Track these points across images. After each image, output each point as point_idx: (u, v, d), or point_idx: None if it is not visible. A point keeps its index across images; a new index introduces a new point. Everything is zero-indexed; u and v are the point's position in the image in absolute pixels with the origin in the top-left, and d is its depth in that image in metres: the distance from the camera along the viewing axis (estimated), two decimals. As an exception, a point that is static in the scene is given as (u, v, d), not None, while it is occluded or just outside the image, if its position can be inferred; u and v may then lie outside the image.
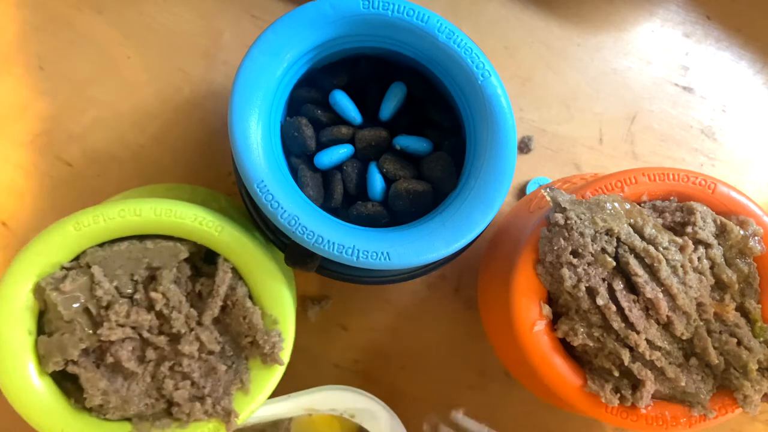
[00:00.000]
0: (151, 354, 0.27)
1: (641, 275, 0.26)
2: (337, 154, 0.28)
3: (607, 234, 0.26)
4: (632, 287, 0.26)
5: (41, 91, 0.36)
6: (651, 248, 0.26)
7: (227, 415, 0.26)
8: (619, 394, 0.26)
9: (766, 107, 0.38)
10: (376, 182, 0.28)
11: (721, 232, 0.27)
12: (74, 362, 0.26)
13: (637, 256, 0.26)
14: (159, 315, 0.26)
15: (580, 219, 0.26)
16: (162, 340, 0.26)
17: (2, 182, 0.35)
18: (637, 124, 0.38)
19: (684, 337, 0.26)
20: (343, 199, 0.28)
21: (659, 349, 0.26)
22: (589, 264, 0.26)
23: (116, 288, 0.26)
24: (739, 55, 0.39)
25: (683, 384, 0.26)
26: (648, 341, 0.26)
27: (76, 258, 0.26)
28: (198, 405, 0.26)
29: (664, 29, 0.39)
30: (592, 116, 0.38)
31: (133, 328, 0.26)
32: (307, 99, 0.29)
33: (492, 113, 0.27)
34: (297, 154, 0.29)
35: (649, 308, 0.26)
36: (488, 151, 0.27)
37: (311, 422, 0.33)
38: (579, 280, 0.26)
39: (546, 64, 0.38)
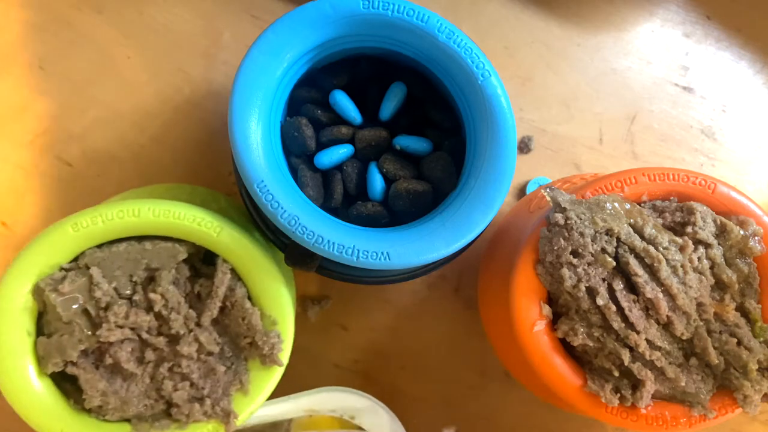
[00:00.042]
0: (150, 355, 0.26)
1: (641, 275, 0.26)
2: (337, 154, 0.28)
3: (607, 234, 0.26)
4: (632, 287, 0.26)
5: (41, 91, 0.36)
6: (651, 248, 0.26)
7: (226, 416, 0.26)
8: (619, 394, 0.26)
9: (766, 107, 0.38)
10: (376, 182, 0.28)
11: (721, 232, 0.27)
12: (73, 363, 0.26)
13: (637, 256, 0.26)
14: (158, 316, 0.26)
15: (580, 219, 0.26)
16: (161, 341, 0.26)
17: (2, 182, 0.35)
18: (637, 124, 0.38)
19: (684, 337, 0.26)
20: (343, 199, 0.28)
21: (659, 349, 0.26)
22: (589, 264, 0.26)
23: (115, 289, 0.26)
24: (739, 55, 0.39)
25: (683, 384, 0.26)
26: (648, 341, 0.26)
27: (75, 259, 0.26)
28: (197, 406, 0.26)
29: (664, 29, 0.39)
30: (592, 116, 0.38)
31: (132, 329, 0.26)
32: (307, 99, 0.29)
33: (492, 113, 0.27)
34: (297, 154, 0.29)
35: (649, 308, 0.26)
36: (488, 151, 0.27)
37: (311, 423, 0.33)
38: (579, 280, 0.26)
39: (546, 64, 0.38)
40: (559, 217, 0.26)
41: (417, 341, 0.36)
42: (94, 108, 0.36)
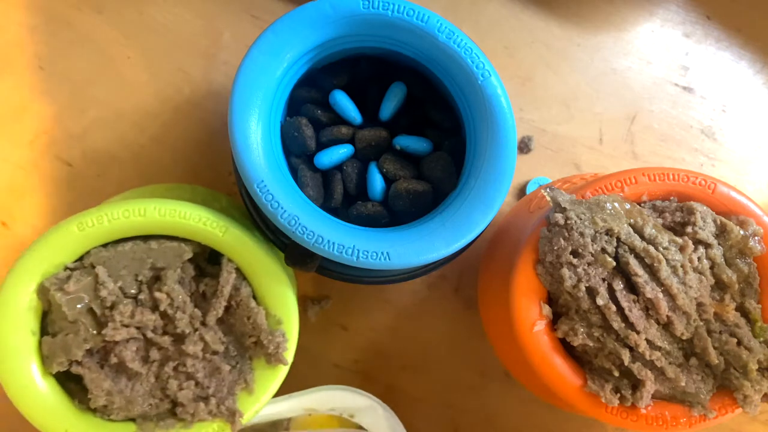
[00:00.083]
0: (155, 354, 0.27)
1: (641, 275, 0.26)
2: (337, 154, 0.28)
3: (607, 234, 0.26)
4: (632, 287, 0.26)
5: (41, 91, 0.36)
6: (651, 248, 0.26)
7: (231, 415, 0.26)
8: (619, 394, 0.26)
9: (766, 107, 0.38)
10: (376, 182, 0.28)
11: (721, 232, 0.27)
12: (78, 363, 0.26)
13: (637, 256, 0.26)
14: (163, 315, 0.26)
15: (580, 219, 0.26)
16: (166, 341, 0.26)
17: (2, 182, 0.35)
18: (637, 124, 0.38)
19: (684, 337, 0.26)
20: (343, 199, 0.28)
21: (659, 349, 0.26)
22: (589, 264, 0.26)
23: (120, 288, 0.26)
24: (739, 55, 0.39)
25: (683, 384, 0.26)
26: (648, 341, 0.26)
27: (80, 258, 0.26)
28: (202, 405, 0.26)
29: (664, 29, 0.39)
30: (592, 116, 0.38)
31: (138, 328, 0.26)
32: (307, 99, 0.29)
33: (492, 113, 0.27)
34: (297, 154, 0.29)
35: (649, 308, 0.26)
36: (488, 151, 0.27)
37: (310, 422, 0.33)
38: (579, 280, 0.26)
39: (546, 64, 0.38)
40: (559, 217, 0.26)
41: (417, 341, 0.37)
42: (94, 108, 0.36)
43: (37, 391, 0.26)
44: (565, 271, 0.26)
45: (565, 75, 0.38)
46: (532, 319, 0.27)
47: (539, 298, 0.27)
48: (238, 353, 0.27)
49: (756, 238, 0.27)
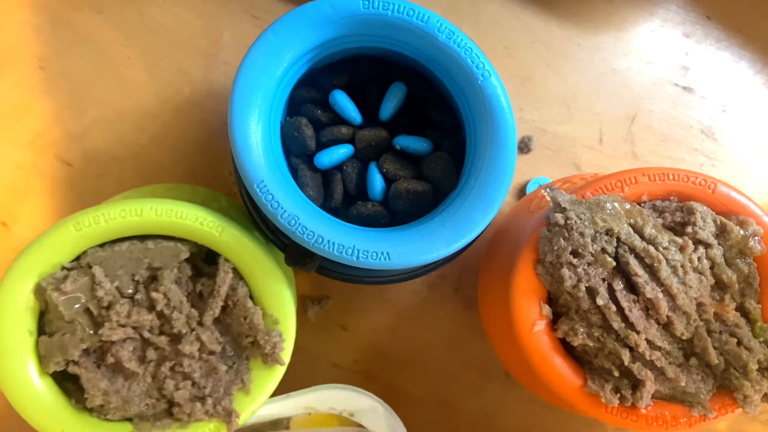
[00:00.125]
0: (151, 354, 0.27)
1: (641, 275, 0.26)
2: (337, 154, 0.28)
3: (607, 234, 0.26)
4: (632, 287, 0.26)
5: (41, 91, 0.36)
6: (651, 248, 0.26)
7: (228, 415, 0.26)
8: (619, 394, 0.26)
9: (766, 107, 0.38)
10: (376, 182, 0.28)
11: (721, 232, 0.27)
12: (75, 362, 0.26)
13: (637, 256, 0.26)
14: (160, 315, 0.26)
15: (580, 219, 0.26)
16: (163, 341, 0.26)
17: (2, 182, 0.35)
18: (637, 124, 0.38)
19: (684, 337, 0.26)
20: (343, 199, 0.28)
21: (659, 349, 0.26)
22: (589, 264, 0.26)
23: (117, 288, 0.26)
24: (739, 55, 0.39)
25: (683, 384, 0.26)
26: (648, 341, 0.26)
27: (77, 258, 0.26)
28: (199, 405, 0.26)
29: (664, 29, 0.39)
30: (592, 116, 0.38)
31: (134, 328, 0.26)
32: (307, 99, 0.29)
33: (492, 113, 0.27)
34: (297, 154, 0.29)
35: (649, 308, 0.26)
36: (488, 151, 0.27)
37: (310, 421, 0.33)
38: (579, 280, 0.26)
39: (546, 64, 0.38)
40: (559, 217, 0.26)
41: (417, 341, 0.37)
42: (94, 108, 0.36)
43: (35, 391, 0.26)
44: (565, 271, 0.26)
45: (565, 75, 0.38)
46: (532, 319, 0.27)
47: (539, 298, 0.27)
48: (234, 353, 0.27)
49: (756, 238, 0.27)
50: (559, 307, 0.27)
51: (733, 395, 0.27)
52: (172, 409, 0.27)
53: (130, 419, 0.27)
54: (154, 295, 0.26)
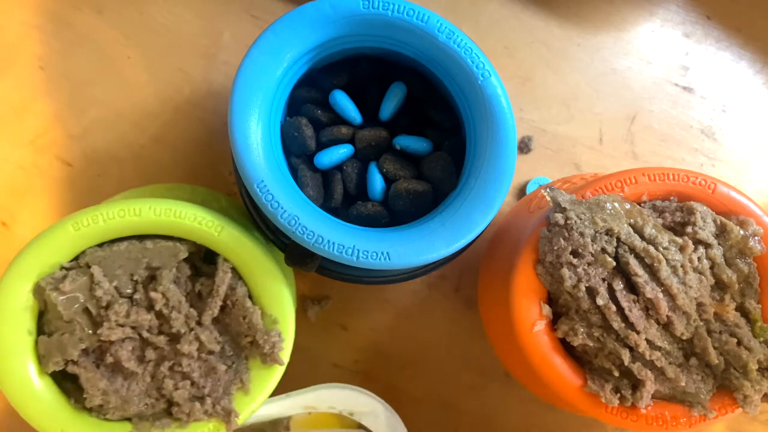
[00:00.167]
0: (150, 354, 0.26)
1: (641, 275, 0.26)
2: (337, 154, 0.28)
3: (607, 234, 0.26)
4: (632, 287, 0.26)
5: (41, 91, 0.36)
6: (651, 248, 0.26)
7: (227, 414, 0.26)
8: (619, 394, 0.26)
9: (766, 107, 0.38)
10: (376, 182, 0.28)
11: (721, 232, 0.27)
12: (74, 362, 0.26)
13: (637, 256, 0.26)
14: (159, 315, 0.26)
15: (580, 219, 0.26)
16: (162, 340, 0.26)
17: (2, 182, 0.35)
18: (637, 124, 0.38)
19: (684, 337, 0.26)
20: (343, 199, 0.28)
21: (659, 349, 0.26)
22: (589, 264, 0.26)
23: (116, 288, 0.26)
24: (739, 55, 0.39)
25: (683, 384, 0.26)
26: (648, 341, 0.26)
27: (76, 258, 0.26)
28: (198, 405, 0.26)
29: (664, 29, 0.39)
30: (592, 116, 0.38)
31: (133, 328, 0.26)
32: (307, 99, 0.29)
33: (492, 113, 0.27)
34: (297, 154, 0.29)
35: (649, 308, 0.26)
36: (488, 151, 0.27)
37: (310, 420, 0.33)
38: (579, 280, 0.26)
39: (546, 64, 0.38)
40: (559, 217, 0.26)
41: (417, 341, 0.37)
42: (94, 108, 0.36)
43: (34, 391, 0.26)
44: (565, 271, 0.26)
45: (565, 75, 0.38)
46: (532, 319, 0.27)
47: (539, 298, 0.27)
48: (233, 353, 0.27)
49: (756, 238, 0.27)
50: (559, 307, 0.27)
51: (733, 395, 0.27)
52: (171, 409, 0.27)
53: (129, 419, 0.27)
54: (152, 294, 0.26)
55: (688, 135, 0.38)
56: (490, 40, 0.37)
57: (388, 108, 0.29)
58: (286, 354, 0.27)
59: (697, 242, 0.26)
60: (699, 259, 0.26)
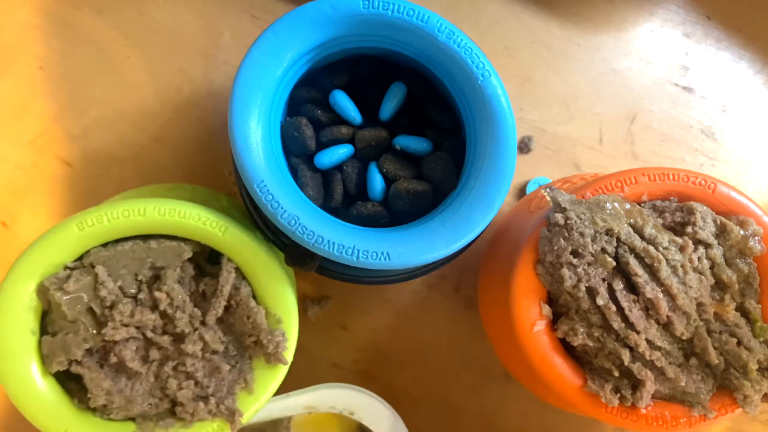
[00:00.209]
0: (154, 354, 0.27)
1: (641, 275, 0.26)
2: (337, 154, 0.28)
3: (607, 234, 0.26)
4: (632, 287, 0.26)
5: (41, 91, 0.36)
6: (651, 248, 0.26)
7: (231, 414, 0.26)
8: (619, 394, 0.26)
9: (766, 107, 0.38)
10: (376, 182, 0.28)
11: (721, 232, 0.27)
12: (78, 362, 0.26)
13: (637, 256, 0.26)
14: (163, 315, 0.26)
15: (580, 219, 0.26)
16: (166, 340, 0.26)
17: (2, 182, 0.35)
18: (637, 124, 0.38)
19: (684, 337, 0.26)
20: (343, 199, 0.28)
21: (659, 349, 0.26)
22: (589, 264, 0.26)
23: (120, 288, 0.26)
24: (739, 55, 0.39)
25: (683, 384, 0.26)
26: (648, 341, 0.26)
27: (80, 258, 0.26)
28: (202, 405, 0.26)
29: (664, 29, 0.39)
30: (592, 116, 0.38)
31: (137, 327, 0.26)
32: (307, 99, 0.29)
33: (492, 113, 0.27)
34: (297, 154, 0.29)
35: (649, 308, 0.26)
36: (488, 151, 0.27)
37: (311, 420, 0.33)
38: (579, 280, 0.26)
39: (546, 64, 0.38)
40: (559, 217, 0.26)
41: (417, 341, 0.37)
42: (94, 108, 0.36)
43: (37, 391, 0.26)
44: (565, 271, 0.26)
45: (565, 75, 0.38)
46: (532, 319, 0.27)
47: (539, 298, 0.27)
48: (237, 353, 0.27)
49: (756, 238, 0.27)
50: (559, 307, 0.27)
51: (733, 395, 0.27)
52: (175, 409, 0.27)
53: (133, 419, 0.27)
54: (157, 294, 0.26)
55: (688, 135, 0.38)
56: (490, 40, 0.37)
57: (388, 108, 0.29)
58: (289, 353, 0.27)
59: (697, 242, 0.26)
60: (699, 259, 0.26)
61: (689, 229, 0.26)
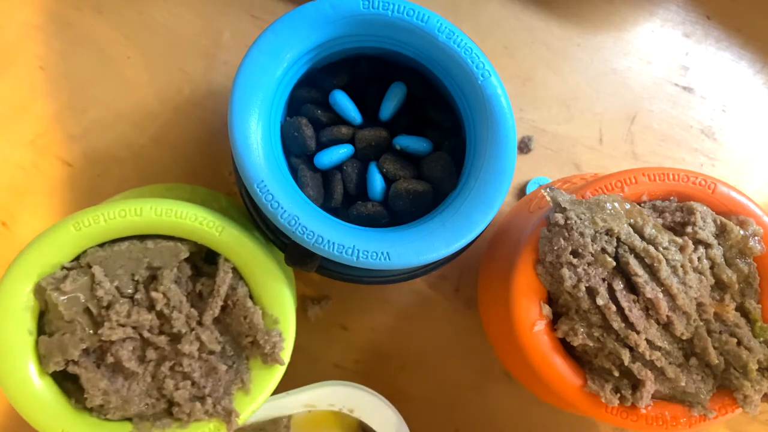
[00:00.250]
0: (151, 354, 0.26)
1: (641, 275, 0.26)
2: (337, 154, 0.28)
3: (607, 234, 0.26)
4: (632, 287, 0.26)
5: (41, 91, 0.36)
6: (651, 248, 0.26)
7: (228, 415, 0.26)
8: (619, 394, 0.26)
9: (766, 107, 0.38)
10: (376, 182, 0.28)
11: (721, 232, 0.27)
12: (75, 362, 0.26)
13: (637, 256, 0.26)
14: (160, 315, 0.26)
15: (580, 219, 0.26)
16: (162, 340, 0.26)
17: (2, 182, 0.35)
18: (637, 124, 0.38)
19: (684, 337, 0.26)
20: (343, 199, 0.28)
21: (659, 349, 0.26)
22: (589, 264, 0.26)
23: (117, 288, 0.26)
24: (739, 55, 0.39)
25: (683, 384, 0.26)
26: (648, 341, 0.26)
27: (77, 258, 0.26)
28: (198, 405, 0.26)
29: (664, 29, 0.39)
30: (592, 116, 0.38)
31: (134, 328, 0.26)
32: (307, 99, 0.29)
33: (492, 113, 0.27)
34: (297, 154, 0.29)
35: (649, 308, 0.26)
36: (488, 151, 0.27)
37: (310, 418, 0.33)
38: (579, 280, 0.26)
39: (546, 64, 0.38)
40: (559, 217, 0.26)
41: (417, 341, 0.37)
42: (94, 108, 0.36)
43: (34, 391, 0.26)
44: (565, 271, 0.26)
45: (565, 75, 0.38)
46: (532, 319, 0.27)
47: (539, 298, 0.27)
48: (234, 353, 0.27)
49: (756, 238, 0.27)
50: (559, 307, 0.27)
51: (733, 395, 0.27)
52: (171, 409, 0.27)
53: (129, 419, 0.27)
54: (153, 294, 0.26)
55: (688, 135, 0.38)
56: (490, 40, 0.37)
57: (388, 108, 0.29)
58: (286, 354, 0.27)
59: (697, 242, 0.26)
60: (699, 259, 0.26)
61: (689, 229, 0.26)
